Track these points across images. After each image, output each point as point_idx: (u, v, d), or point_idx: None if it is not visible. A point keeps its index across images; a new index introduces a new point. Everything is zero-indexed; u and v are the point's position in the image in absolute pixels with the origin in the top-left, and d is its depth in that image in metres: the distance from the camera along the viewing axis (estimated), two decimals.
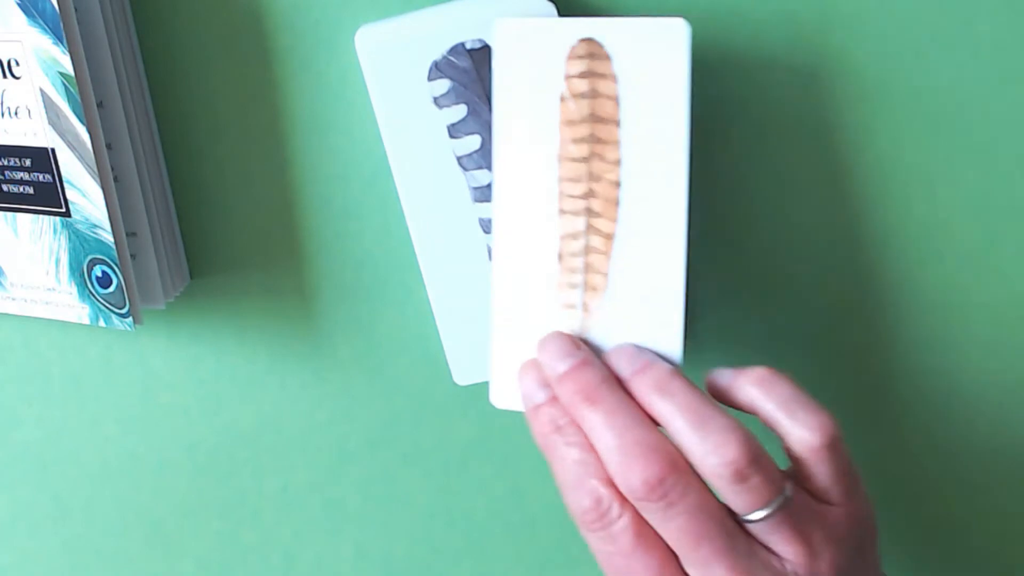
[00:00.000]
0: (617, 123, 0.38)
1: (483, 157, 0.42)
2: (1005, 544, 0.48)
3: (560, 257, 0.39)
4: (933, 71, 0.42)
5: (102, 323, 0.42)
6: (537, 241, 0.40)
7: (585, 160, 0.39)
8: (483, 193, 0.42)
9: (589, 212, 0.39)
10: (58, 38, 0.38)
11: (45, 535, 0.50)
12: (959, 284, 0.45)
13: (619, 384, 0.37)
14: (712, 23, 0.42)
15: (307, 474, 0.48)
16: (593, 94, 0.38)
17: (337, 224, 0.45)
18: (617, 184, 0.39)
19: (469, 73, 0.41)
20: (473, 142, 0.42)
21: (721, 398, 0.38)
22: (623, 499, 0.35)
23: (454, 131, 0.42)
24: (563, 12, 0.42)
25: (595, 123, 0.38)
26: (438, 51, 0.41)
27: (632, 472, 0.34)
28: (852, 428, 0.47)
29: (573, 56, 0.38)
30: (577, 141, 0.39)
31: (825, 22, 0.42)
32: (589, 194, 0.39)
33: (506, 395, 0.41)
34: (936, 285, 0.45)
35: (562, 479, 0.37)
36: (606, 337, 0.40)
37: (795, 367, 0.46)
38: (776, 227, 0.44)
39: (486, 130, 0.42)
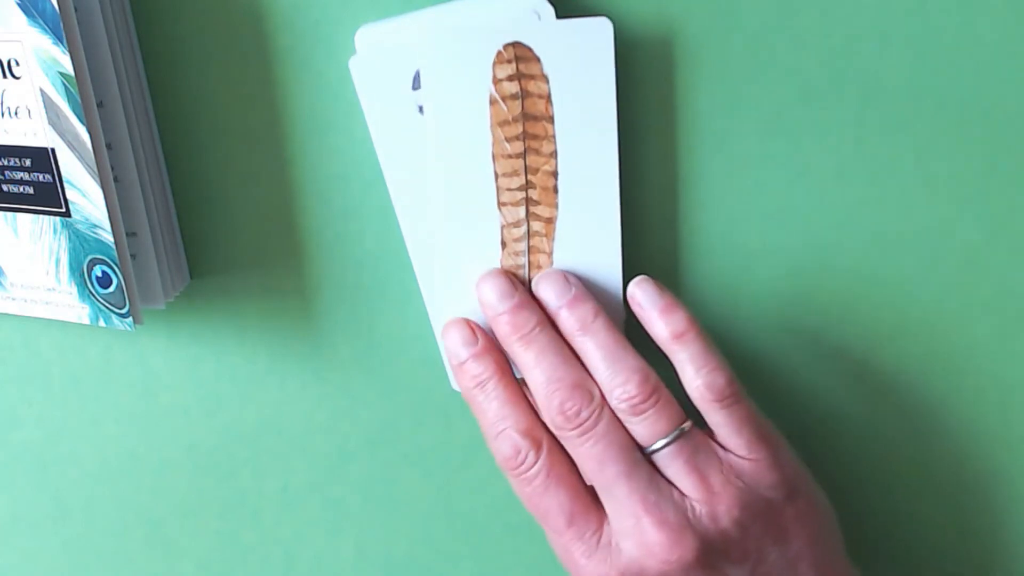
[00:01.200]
0: (550, 119, 0.40)
1: None
2: (1005, 543, 0.48)
3: (503, 244, 0.42)
4: (932, 70, 0.42)
5: (102, 323, 0.42)
6: (478, 234, 0.41)
7: (520, 156, 0.41)
8: None
9: (528, 201, 0.41)
10: (58, 38, 0.38)
11: (45, 535, 0.50)
12: (959, 284, 0.45)
13: (550, 323, 0.42)
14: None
15: (307, 474, 0.48)
16: (524, 94, 0.40)
17: (337, 225, 0.45)
18: (554, 174, 0.41)
19: None
20: None
21: (636, 313, 0.42)
22: (537, 446, 0.41)
23: None
24: (561, 12, 0.42)
25: (528, 121, 0.40)
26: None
27: (554, 405, 0.40)
28: (850, 428, 0.47)
29: (500, 60, 0.40)
30: (511, 139, 0.40)
31: (826, 24, 0.42)
32: (527, 185, 0.41)
33: None
34: (936, 285, 0.45)
35: (485, 428, 0.42)
36: None
37: (792, 366, 0.46)
38: (775, 226, 0.45)
39: None
